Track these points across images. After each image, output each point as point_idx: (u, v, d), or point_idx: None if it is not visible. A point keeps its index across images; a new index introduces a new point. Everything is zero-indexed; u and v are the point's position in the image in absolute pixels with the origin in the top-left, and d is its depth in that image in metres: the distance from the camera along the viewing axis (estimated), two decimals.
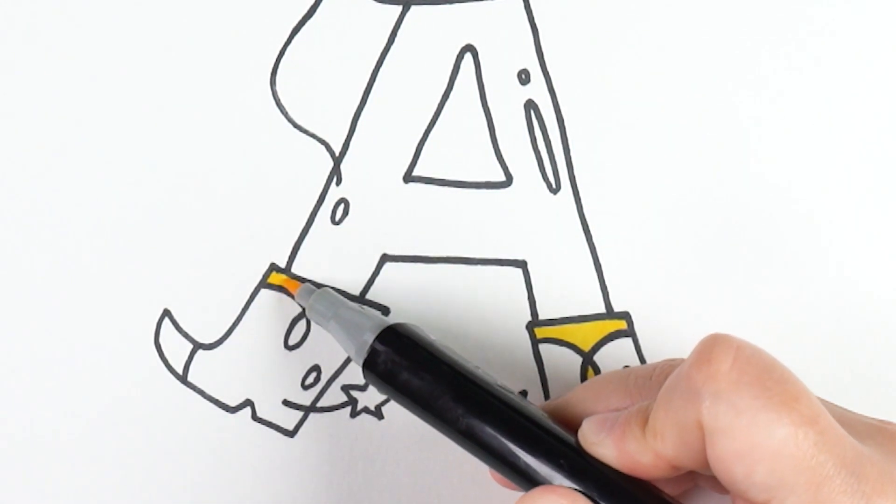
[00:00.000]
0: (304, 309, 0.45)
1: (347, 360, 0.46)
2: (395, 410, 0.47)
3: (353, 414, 0.47)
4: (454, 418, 0.40)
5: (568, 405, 0.42)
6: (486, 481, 0.47)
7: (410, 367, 0.41)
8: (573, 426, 0.40)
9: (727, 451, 0.36)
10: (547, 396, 0.47)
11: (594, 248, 0.46)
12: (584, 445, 0.39)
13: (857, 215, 0.46)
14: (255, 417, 0.47)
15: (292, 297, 0.46)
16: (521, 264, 0.46)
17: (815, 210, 0.46)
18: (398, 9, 0.44)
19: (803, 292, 0.46)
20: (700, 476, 0.41)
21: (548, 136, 0.45)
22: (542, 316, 0.46)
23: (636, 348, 0.47)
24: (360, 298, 0.46)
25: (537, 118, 0.45)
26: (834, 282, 0.46)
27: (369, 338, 0.42)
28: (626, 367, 0.47)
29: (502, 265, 0.46)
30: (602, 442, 0.39)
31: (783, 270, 0.46)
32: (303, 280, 0.46)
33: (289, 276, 0.46)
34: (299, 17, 0.44)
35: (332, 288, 0.45)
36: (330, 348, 0.46)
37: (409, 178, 0.45)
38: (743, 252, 0.46)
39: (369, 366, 0.42)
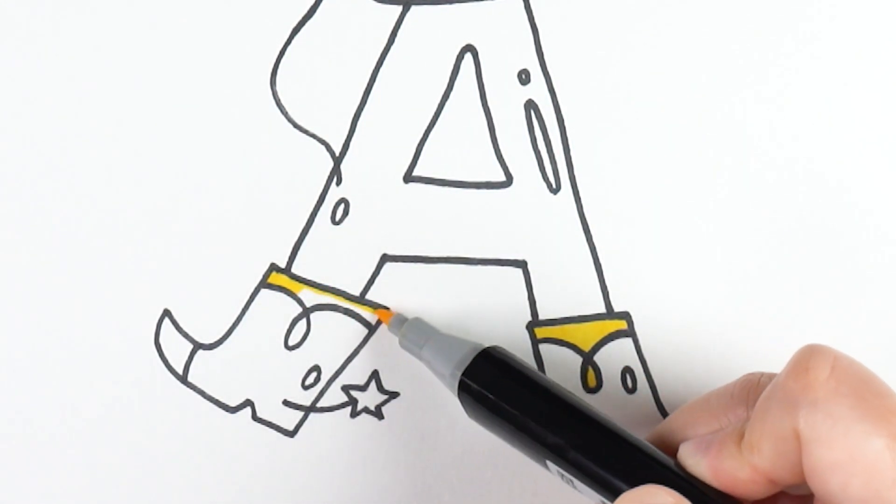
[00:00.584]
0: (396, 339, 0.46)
1: (347, 361, 0.46)
2: (396, 410, 0.47)
3: (353, 414, 0.47)
4: (550, 441, 0.41)
5: (656, 438, 0.42)
6: (486, 481, 0.47)
7: (505, 389, 0.42)
8: (669, 455, 0.40)
9: (823, 462, 0.35)
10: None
11: (594, 248, 0.46)
12: (685, 466, 0.39)
13: (856, 215, 0.46)
14: (255, 417, 0.47)
15: (293, 296, 0.46)
16: (521, 264, 0.46)
17: (815, 209, 0.46)
18: (398, 9, 0.44)
19: (804, 291, 0.46)
20: (780, 500, 0.41)
21: (548, 136, 0.45)
22: (542, 316, 0.46)
23: (636, 348, 0.47)
24: (361, 298, 0.46)
25: (537, 118, 0.45)
26: (836, 281, 0.46)
27: (462, 364, 0.43)
28: (626, 367, 0.47)
29: (502, 265, 0.46)
30: (699, 462, 0.39)
31: (783, 270, 0.46)
32: (307, 282, 0.46)
33: (290, 277, 0.46)
34: (299, 17, 0.44)
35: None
36: (330, 348, 0.46)
37: (409, 178, 0.45)
38: (743, 251, 0.46)
39: (464, 390, 0.42)
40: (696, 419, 0.41)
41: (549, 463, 0.41)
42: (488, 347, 0.43)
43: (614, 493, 0.39)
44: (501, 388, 0.42)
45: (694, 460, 0.39)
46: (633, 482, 0.39)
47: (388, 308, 0.46)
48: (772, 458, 0.37)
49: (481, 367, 0.42)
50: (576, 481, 0.40)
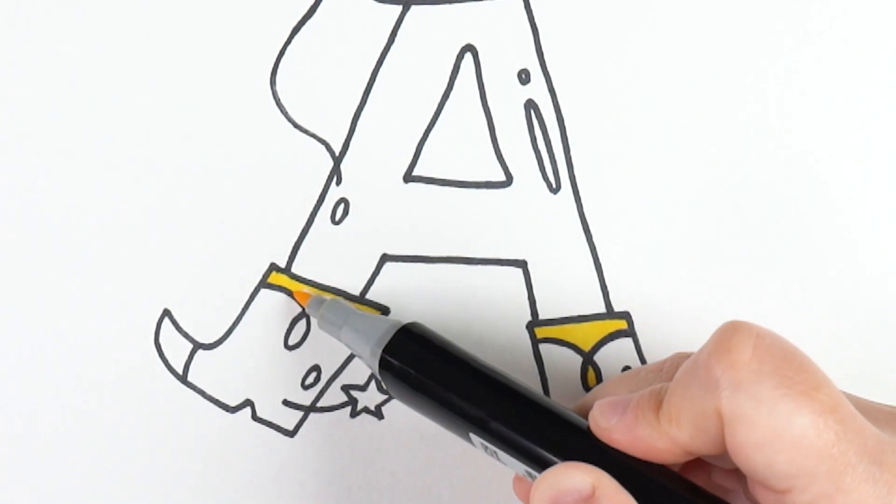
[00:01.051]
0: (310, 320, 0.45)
1: (347, 360, 0.46)
2: (396, 410, 0.47)
3: (353, 414, 0.47)
4: (472, 413, 0.40)
5: (581, 408, 0.42)
6: (486, 481, 0.47)
7: (426, 364, 0.42)
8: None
9: (747, 441, 0.36)
10: (547, 396, 0.47)
11: (594, 248, 0.46)
12: (596, 431, 0.39)
13: (857, 214, 0.46)
14: (255, 417, 0.47)
15: (293, 297, 0.46)
16: (521, 264, 0.46)
17: (815, 209, 0.46)
18: (398, 9, 0.44)
19: (804, 292, 0.46)
20: (714, 470, 0.41)
21: (548, 136, 0.45)
22: (542, 316, 0.46)
23: (636, 348, 0.47)
24: (361, 298, 0.46)
25: (537, 118, 0.45)
26: (834, 280, 0.46)
27: (382, 341, 0.42)
28: (626, 367, 0.47)
29: (502, 265, 0.46)
30: (614, 427, 0.38)
31: (782, 270, 0.46)
32: (307, 282, 0.46)
33: (290, 277, 0.46)
34: (299, 17, 0.44)
35: (336, 292, 0.45)
36: (330, 348, 0.46)
37: (409, 178, 0.45)
38: (743, 252, 0.46)
39: (385, 367, 0.42)
40: (622, 391, 0.41)
41: (472, 436, 0.41)
42: (407, 324, 0.43)
43: (536, 461, 0.39)
44: (422, 363, 0.42)
45: (609, 423, 0.38)
46: (555, 450, 0.39)
47: (387, 308, 0.46)
48: (691, 433, 0.37)
49: (401, 344, 0.42)
50: (499, 452, 0.40)
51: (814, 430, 0.35)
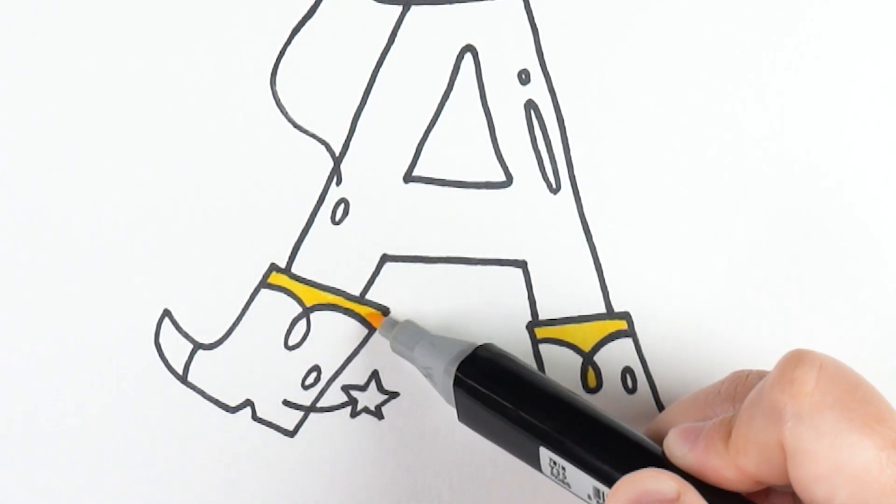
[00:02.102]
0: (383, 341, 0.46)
1: (347, 361, 0.46)
2: (396, 410, 0.47)
3: (353, 414, 0.47)
4: (546, 428, 0.41)
5: (653, 431, 0.42)
6: (486, 481, 0.47)
7: (501, 381, 0.42)
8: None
9: (809, 474, 0.35)
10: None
11: (594, 248, 0.46)
12: (671, 457, 0.39)
13: (857, 213, 0.46)
14: (255, 417, 0.47)
15: (293, 296, 0.46)
16: (521, 264, 0.46)
17: (815, 209, 0.46)
18: (398, 9, 0.44)
19: (804, 292, 0.46)
20: (775, 494, 0.41)
21: (548, 136, 0.45)
22: (542, 316, 0.46)
23: (636, 348, 0.47)
24: (361, 298, 0.46)
25: (537, 118, 0.45)
26: (834, 281, 0.46)
27: (457, 359, 0.43)
28: (626, 367, 0.47)
29: (502, 265, 0.46)
30: (686, 456, 0.39)
31: (783, 269, 0.46)
32: (307, 282, 0.46)
33: (290, 277, 0.46)
34: (299, 17, 0.44)
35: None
36: (330, 348, 0.46)
37: (409, 178, 0.45)
38: (743, 251, 0.46)
39: (458, 385, 0.43)
40: (686, 417, 0.41)
41: (542, 451, 0.41)
42: (482, 345, 0.43)
43: (609, 480, 0.39)
44: (497, 382, 0.42)
45: (682, 452, 0.39)
46: (630, 469, 0.39)
47: (387, 308, 0.46)
48: (758, 464, 0.37)
49: (476, 363, 0.43)
50: (569, 467, 0.40)
51: (876, 464, 0.35)
